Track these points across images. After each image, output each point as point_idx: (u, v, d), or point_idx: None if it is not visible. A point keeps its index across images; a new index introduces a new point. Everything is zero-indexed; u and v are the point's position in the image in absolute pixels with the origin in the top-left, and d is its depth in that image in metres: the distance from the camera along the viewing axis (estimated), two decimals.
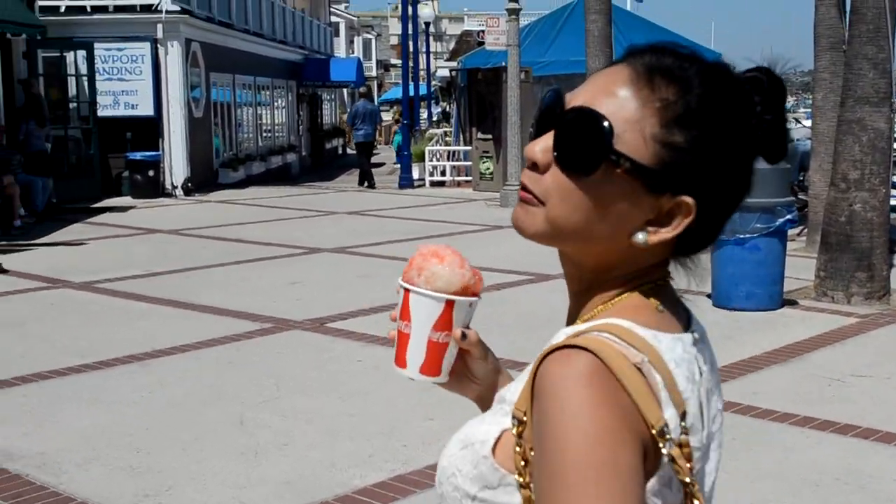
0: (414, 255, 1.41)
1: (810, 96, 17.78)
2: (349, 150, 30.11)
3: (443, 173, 24.35)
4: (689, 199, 1.18)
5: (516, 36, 17.96)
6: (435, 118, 37.71)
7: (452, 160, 24.82)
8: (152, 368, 7.54)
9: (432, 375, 1.40)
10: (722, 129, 1.18)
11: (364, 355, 7.84)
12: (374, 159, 36.52)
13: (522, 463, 1.17)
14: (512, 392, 1.24)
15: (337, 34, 51.25)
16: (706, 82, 1.19)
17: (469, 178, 22.55)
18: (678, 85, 1.18)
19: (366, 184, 24.08)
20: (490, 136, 21.02)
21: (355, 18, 67.19)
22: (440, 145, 26.59)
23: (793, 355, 7.73)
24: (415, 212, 18.13)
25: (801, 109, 50.41)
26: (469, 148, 22.77)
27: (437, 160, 24.98)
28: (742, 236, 9.07)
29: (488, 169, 21.32)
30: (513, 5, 17.81)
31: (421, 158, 24.34)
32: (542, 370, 1.13)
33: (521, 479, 1.17)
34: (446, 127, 31.09)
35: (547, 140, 1.21)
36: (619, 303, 1.23)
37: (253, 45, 28.09)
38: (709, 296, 9.41)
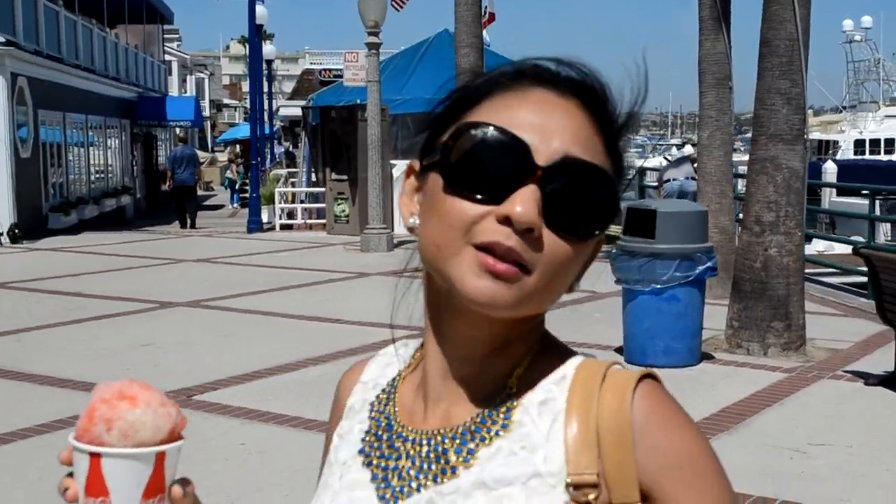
0: (92, 401, 1.03)
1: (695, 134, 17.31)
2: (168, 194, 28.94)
3: (290, 216, 23.07)
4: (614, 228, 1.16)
5: (376, 72, 16.93)
6: (278, 158, 36.36)
7: (301, 202, 23.61)
8: None
9: None
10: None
11: (247, 437, 6.61)
12: (211, 201, 35.04)
13: None
14: (544, 459, 1.01)
15: (170, 73, 49.43)
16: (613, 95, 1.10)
17: (321, 221, 21.34)
18: (612, 104, 1.09)
19: (188, 225, 24.07)
20: (345, 178, 19.88)
21: (188, 57, 65.43)
22: (285, 186, 25.36)
23: (734, 421, 6.87)
24: (270, 258, 16.81)
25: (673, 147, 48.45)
26: (322, 189, 21.59)
27: (287, 202, 23.70)
28: (659, 286, 8.23)
29: (344, 211, 20.19)
30: (373, 39, 16.77)
31: (270, 201, 23.01)
32: (637, 409, 1.01)
33: None
34: (291, 167, 29.89)
35: (532, 199, 0.99)
36: (545, 345, 1.11)
37: (84, 82, 26.40)
38: (619, 350, 8.57)
